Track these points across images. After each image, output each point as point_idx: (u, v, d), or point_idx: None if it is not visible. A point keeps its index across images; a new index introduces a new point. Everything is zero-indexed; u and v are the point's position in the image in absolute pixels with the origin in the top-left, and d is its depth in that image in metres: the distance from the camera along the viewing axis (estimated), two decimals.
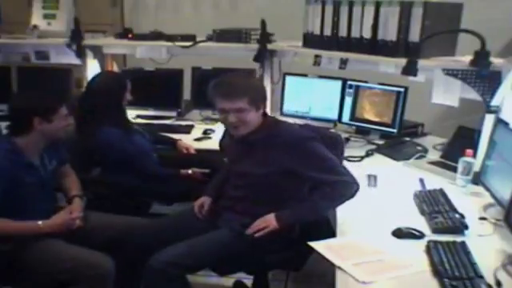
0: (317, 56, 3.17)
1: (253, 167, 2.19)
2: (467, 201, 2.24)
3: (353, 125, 3.30)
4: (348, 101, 3.26)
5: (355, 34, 2.93)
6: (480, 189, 2.31)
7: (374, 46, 2.87)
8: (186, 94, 3.63)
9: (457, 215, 2.00)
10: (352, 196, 2.11)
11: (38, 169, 2.22)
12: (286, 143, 2.14)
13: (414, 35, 2.72)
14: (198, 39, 3.46)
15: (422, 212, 2.12)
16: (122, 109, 2.81)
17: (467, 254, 1.72)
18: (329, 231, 2.08)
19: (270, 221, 2.12)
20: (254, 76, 2.14)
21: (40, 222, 2.12)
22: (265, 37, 3.33)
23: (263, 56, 3.37)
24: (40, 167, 2.23)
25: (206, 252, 2.13)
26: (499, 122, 2.28)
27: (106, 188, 2.77)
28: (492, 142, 2.28)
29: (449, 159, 2.69)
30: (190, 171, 2.82)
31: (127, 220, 2.41)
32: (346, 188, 2.11)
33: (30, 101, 2.22)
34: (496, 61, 2.49)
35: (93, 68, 3.62)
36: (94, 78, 2.90)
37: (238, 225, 2.17)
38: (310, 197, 2.22)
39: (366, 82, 3.22)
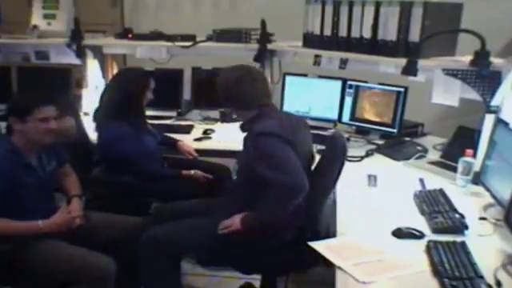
0: (317, 56, 3.17)
1: (240, 160, 2.29)
2: (467, 201, 2.24)
3: (353, 125, 3.30)
4: (348, 101, 3.26)
5: (355, 34, 2.93)
6: (480, 189, 2.30)
7: (374, 46, 2.87)
8: (186, 94, 3.63)
9: (457, 215, 2.00)
10: (293, 198, 2.04)
11: (35, 169, 2.22)
12: (250, 139, 2.16)
13: (414, 35, 2.71)
14: (198, 39, 3.46)
15: (422, 212, 2.11)
16: (140, 107, 2.81)
17: (467, 253, 1.72)
18: (316, 233, 2.09)
19: (235, 221, 2.13)
20: (230, 77, 2.20)
21: (40, 222, 2.12)
22: (265, 37, 3.33)
23: (263, 56, 3.37)
24: (38, 168, 2.23)
25: (187, 237, 2.17)
26: (499, 122, 2.28)
27: (106, 188, 2.78)
28: (492, 142, 2.28)
29: (449, 159, 2.69)
30: (192, 172, 2.82)
31: (127, 220, 2.41)
32: (284, 190, 2.02)
33: (10, 101, 2.28)
34: (496, 61, 2.49)
35: (93, 68, 3.62)
36: (116, 74, 2.95)
37: (217, 219, 2.19)
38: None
39: (365, 82, 3.22)
